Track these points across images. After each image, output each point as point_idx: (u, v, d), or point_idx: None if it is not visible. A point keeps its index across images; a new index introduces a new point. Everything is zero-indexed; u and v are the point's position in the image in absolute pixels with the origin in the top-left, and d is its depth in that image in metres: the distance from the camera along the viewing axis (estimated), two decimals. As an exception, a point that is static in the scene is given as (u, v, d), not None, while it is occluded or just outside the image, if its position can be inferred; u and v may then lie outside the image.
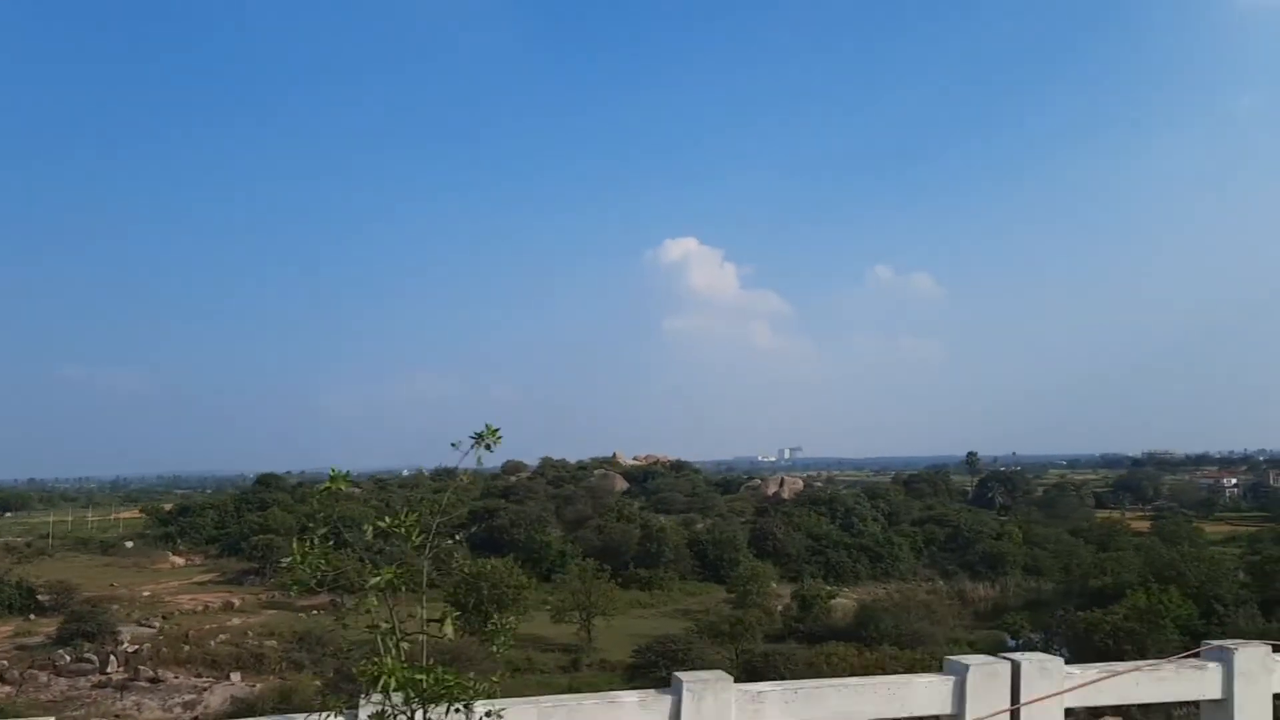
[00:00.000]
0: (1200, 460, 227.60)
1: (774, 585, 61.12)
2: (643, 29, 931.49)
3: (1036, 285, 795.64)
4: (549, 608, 47.12)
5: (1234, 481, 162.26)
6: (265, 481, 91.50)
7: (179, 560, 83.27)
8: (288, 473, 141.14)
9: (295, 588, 3.40)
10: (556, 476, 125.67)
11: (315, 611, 46.25)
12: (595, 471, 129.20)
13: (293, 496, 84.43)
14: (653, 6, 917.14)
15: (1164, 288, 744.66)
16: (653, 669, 37.08)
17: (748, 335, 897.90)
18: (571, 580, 48.89)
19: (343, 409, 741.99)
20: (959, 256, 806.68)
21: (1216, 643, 5.09)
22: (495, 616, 4.54)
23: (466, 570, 43.38)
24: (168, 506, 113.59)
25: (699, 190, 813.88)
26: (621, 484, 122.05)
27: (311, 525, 3.32)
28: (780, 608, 54.32)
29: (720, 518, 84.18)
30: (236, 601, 61.62)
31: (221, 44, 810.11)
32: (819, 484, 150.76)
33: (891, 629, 43.94)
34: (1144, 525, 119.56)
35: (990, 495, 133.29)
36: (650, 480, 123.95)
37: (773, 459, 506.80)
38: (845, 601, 58.27)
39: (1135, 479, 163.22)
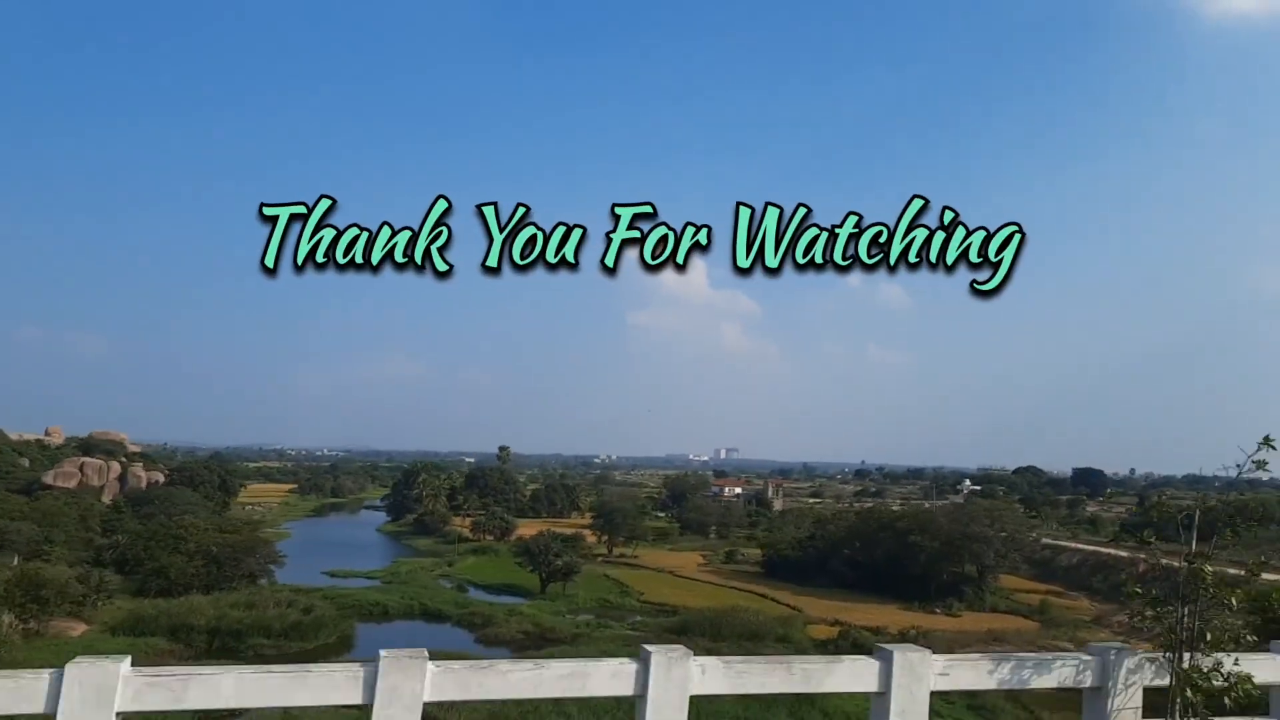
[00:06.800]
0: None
1: None
2: (619, 30, 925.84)
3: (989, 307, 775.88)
4: None
5: (739, 491, 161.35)
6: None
7: None
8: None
9: None
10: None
11: None
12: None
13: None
14: (627, 9, 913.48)
15: (1121, 308, 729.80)
16: None
17: (713, 334, 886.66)
18: None
19: (313, 386, 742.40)
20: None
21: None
22: None
23: None
24: None
25: (671, 183, 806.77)
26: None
27: None
28: None
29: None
30: None
31: (210, 35, 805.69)
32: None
33: None
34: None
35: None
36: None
37: (706, 458, 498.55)
38: None
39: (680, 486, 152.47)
